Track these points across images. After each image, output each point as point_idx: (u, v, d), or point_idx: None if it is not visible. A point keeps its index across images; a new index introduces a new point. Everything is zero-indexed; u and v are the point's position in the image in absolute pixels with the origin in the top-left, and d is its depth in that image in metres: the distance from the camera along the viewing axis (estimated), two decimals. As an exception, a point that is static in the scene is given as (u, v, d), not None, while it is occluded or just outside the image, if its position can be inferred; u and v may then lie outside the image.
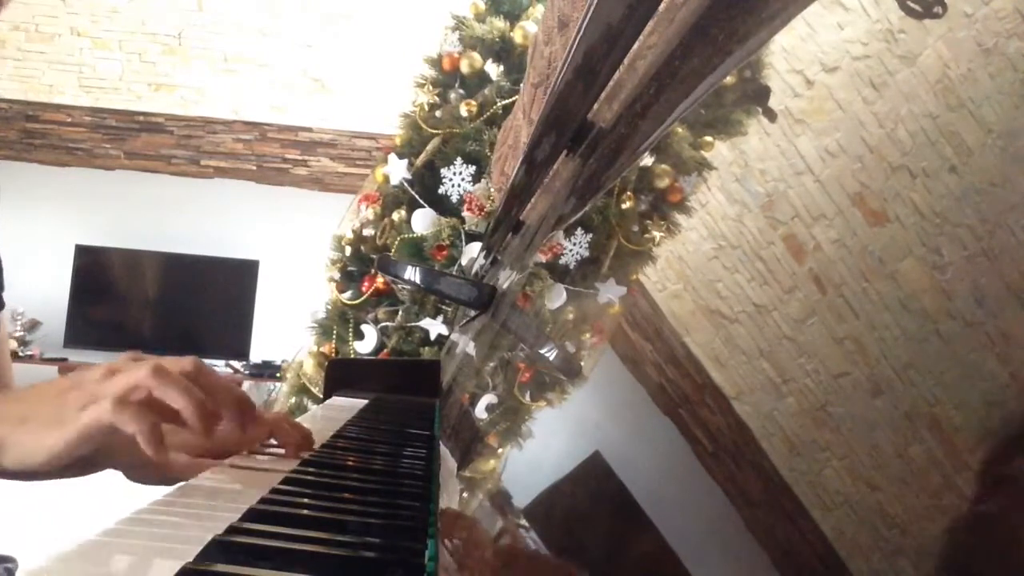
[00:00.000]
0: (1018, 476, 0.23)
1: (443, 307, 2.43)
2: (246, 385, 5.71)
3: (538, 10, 2.63)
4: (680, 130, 0.62)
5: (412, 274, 1.34)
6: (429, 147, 2.59)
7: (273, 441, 0.78)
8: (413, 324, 2.46)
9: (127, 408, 0.58)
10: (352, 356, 2.52)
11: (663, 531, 0.39)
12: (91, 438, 0.59)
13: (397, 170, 2.63)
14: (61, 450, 0.59)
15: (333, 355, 2.59)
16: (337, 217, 3.24)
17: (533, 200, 1.18)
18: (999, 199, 0.26)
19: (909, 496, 0.26)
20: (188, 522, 0.54)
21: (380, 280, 2.58)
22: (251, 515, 0.53)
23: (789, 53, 0.42)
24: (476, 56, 2.62)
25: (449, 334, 2.33)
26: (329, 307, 2.72)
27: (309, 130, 6.04)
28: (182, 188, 6.12)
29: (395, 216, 2.60)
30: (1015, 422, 0.23)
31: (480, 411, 0.93)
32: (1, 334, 1.15)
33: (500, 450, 0.78)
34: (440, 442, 0.96)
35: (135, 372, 0.60)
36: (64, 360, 5.49)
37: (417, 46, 3.17)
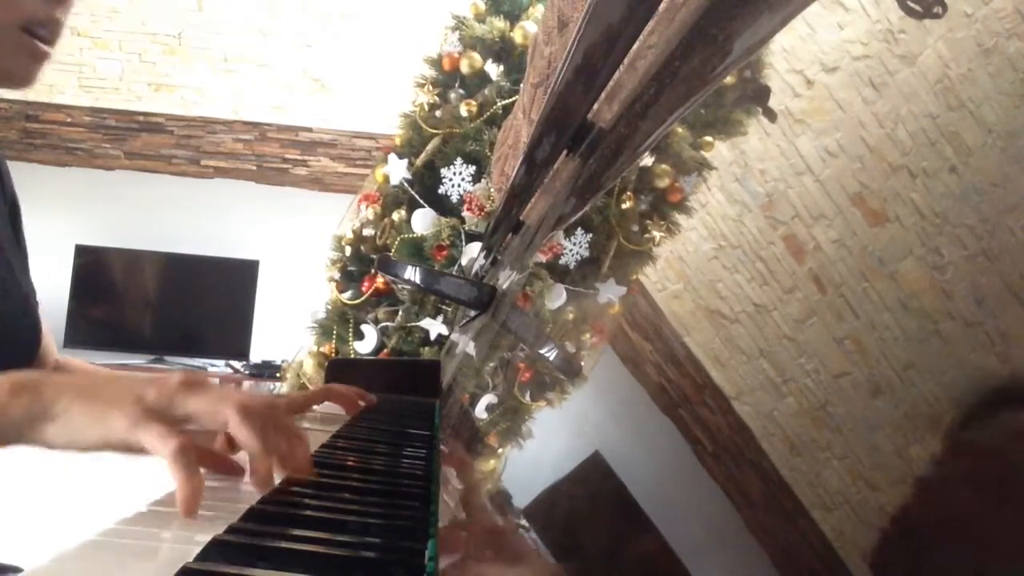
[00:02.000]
0: (975, 440, 0.23)
1: (443, 307, 2.43)
2: (246, 385, 5.71)
3: (538, 10, 2.62)
4: (680, 130, 0.62)
5: (412, 274, 1.34)
6: (429, 147, 2.59)
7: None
8: (413, 324, 2.46)
9: (183, 458, 0.55)
10: (352, 356, 2.52)
11: (663, 531, 0.39)
12: (134, 451, 0.59)
13: (397, 170, 2.63)
14: (103, 445, 0.59)
15: (333, 355, 2.59)
16: (337, 217, 3.24)
17: (533, 200, 1.18)
18: (999, 199, 0.26)
19: (913, 496, 0.26)
20: (188, 522, 0.54)
21: (380, 280, 2.58)
22: (251, 515, 0.53)
23: (789, 53, 0.42)
24: (476, 56, 2.62)
25: (449, 334, 2.33)
26: (329, 307, 2.71)
27: (309, 130, 6.04)
28: (182, 188, 6.12)
29: (395, 216, 2.60)
30: (980, 391, 0.23)
31: (480, 411, 0.93)
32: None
33: (500, 450, 0.78)
34: (440, 442, 0.96)
35: (223, 400, 0.60)
36: (64, 360, 5.48)
37: (417, 46, 3.17)
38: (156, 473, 0.59)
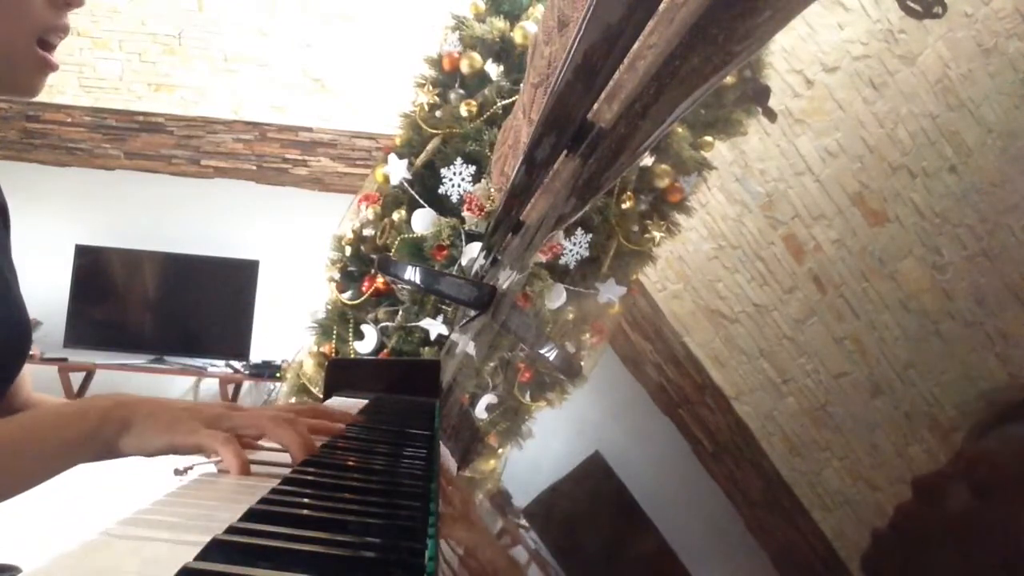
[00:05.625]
0: (984, 456, 0.23)
1: (443, 307, 2.43)
2: (246, 385, 5.71)
3: (538, 10, 2.63)
4: (680, 130, 0.62)
5: (412, 274, 1.34)
6: (429, 147, 2.59)
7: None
8: (413, 324, 2.46)
9: (231, 444, 0.73)
10: (352, 356, 2.52)
11: (663, 531, 0.39)
12: (197, 450, 0.76)
13: (397, 170, 2.63)
14: (169, 448, 0.76)
15: (333, 355, 2.59)
16: (337, 217, 3.24)
17: (533, 200, 1.18)
18: (999, 199, 0.26)
19: (909, 496, 0.26)
20: (188, 522, 0.54)
21: (380, 280, 2.58)
22: (251, 515, 0.53)
23: (789, 53, 0.42)
24: (476, 56, 2.62)
25: (449, 334, 2.33)
26: (329, 307, 2.71)
27: (309, 130, 6.04)
28: (182, 188, 6.12)
29: (395, 216, 2.60)
30: (992, 406, 0.23)
31: (480, 411, 0.93)
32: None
33: (500, 450, 0.78)
34: (440, 442, 0.96)
35: (258, 416, 0.79)
36: (64, 360, 5.48)
37: (417, 46, 3.17)
38: (156, 474, 0.60)
